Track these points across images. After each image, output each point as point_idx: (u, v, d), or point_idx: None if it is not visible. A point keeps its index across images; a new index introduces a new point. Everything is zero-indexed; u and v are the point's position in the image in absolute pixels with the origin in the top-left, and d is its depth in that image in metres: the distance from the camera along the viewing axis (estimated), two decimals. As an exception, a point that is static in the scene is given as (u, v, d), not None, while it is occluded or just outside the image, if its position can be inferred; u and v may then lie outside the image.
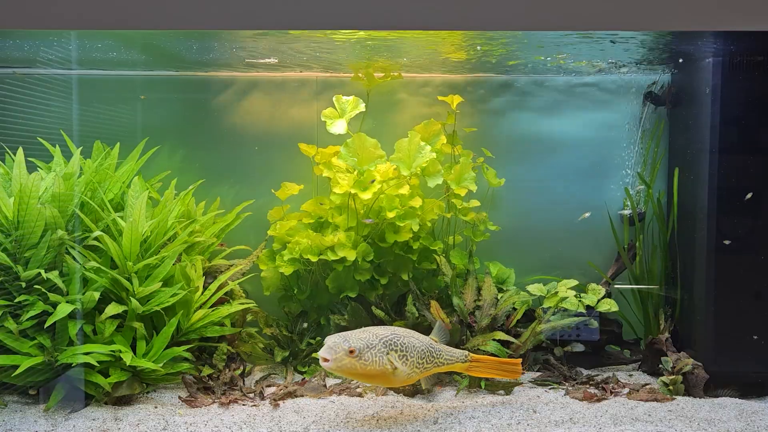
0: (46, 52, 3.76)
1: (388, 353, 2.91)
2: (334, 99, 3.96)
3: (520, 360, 3.36)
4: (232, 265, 4.02)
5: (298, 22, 2.61)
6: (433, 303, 3.64)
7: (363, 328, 3.02)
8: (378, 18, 2.59)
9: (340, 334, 2.91)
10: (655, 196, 4.23)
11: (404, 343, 2.99)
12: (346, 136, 3.90)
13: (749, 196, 3.51)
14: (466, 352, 3.26)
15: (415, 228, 3.88)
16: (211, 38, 3.49)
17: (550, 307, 3.91)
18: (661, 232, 4.11)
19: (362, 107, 3.93)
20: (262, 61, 3.97)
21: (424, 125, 4.04)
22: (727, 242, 3.53)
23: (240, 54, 3.81)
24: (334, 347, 2.82)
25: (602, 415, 3.27)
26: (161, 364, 3.34)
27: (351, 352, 2.81)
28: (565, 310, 3.93)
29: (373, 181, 3.84)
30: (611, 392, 3.59)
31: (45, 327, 3.13)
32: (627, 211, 4.26)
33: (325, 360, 2.80)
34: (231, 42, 3.55)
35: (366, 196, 3.79)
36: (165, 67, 4.27)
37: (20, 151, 3.31)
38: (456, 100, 4.12)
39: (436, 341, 3.19)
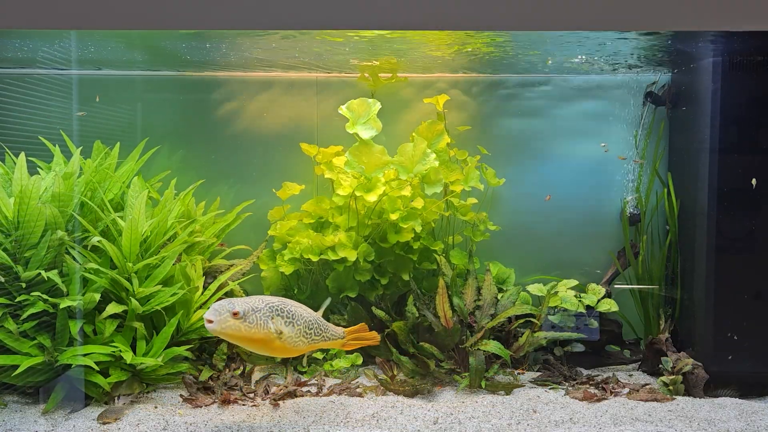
0: (47, 52, 3.76)
1: (273, 318, 2.92)
2: (340, 111, 3.92)
3: (361, 326, 3.37)
4: (232, 265, 4.02)
5: (313, 21, 2.61)
6: (441, 283, 3.64)
7: (252, 296, 3.04)
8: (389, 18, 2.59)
9: (227, 299, 2.92)
10: (654, 196, 4.23)
11: (291, 311, 3.01)
12: (349, 138, 3.90)
13: (754, 181, 3.52)
14: (342, 330, 3.29)
15: (418, 229, 3.88)
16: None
17: (549, 311, 3.91)
18: (671, 231, 4.10)
19: (374, 103, 3.89)
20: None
21: (427, 126, 4.03)
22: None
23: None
24: (219, 309, 2.82)
25: (602, 415, 3.27)
26: (161, 364, 3.34)
27: (235, 314, 2.81)
28: (565, 310, 3.93)
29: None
30: (611, 392, 3.60)
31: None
32: (633, 208, 4.25)
33: (210, 321, 2.80)
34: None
35: (371, 198, 3.79)
36: (166, 68, 4.28)
37: (22, 155, 3.33)
38: (442, 99, 4.12)
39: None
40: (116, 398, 3.30)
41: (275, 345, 2.93)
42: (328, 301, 3.33)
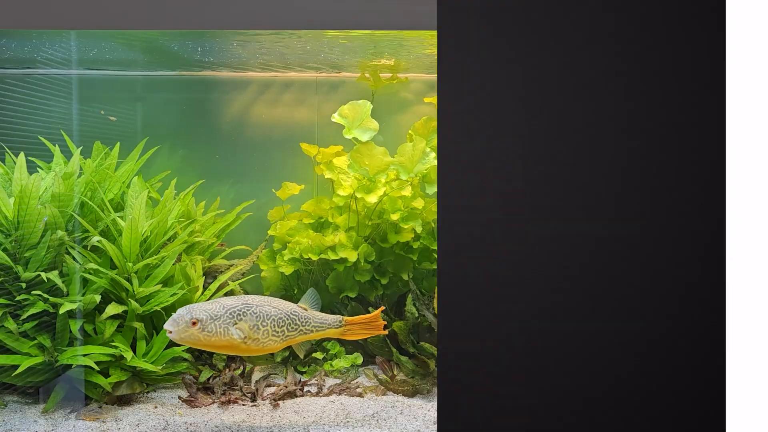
0: (47, 52, 3.76)
1: (235, 323, 2.87)
2: (333, 119, 3.91)
3: (379, 312, 3.22)
4: (232, 265, 4.02)
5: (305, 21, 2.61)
6: (437, 289, 3.63)
7: (214, 299, 2.98)
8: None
9: (187, 306, 2.88)
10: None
11: (255, 312, 2.93)
12: (350, 139, 3.91)
13: None
14: (340, 317, 3.15)
15: (419, 229, 3.88)
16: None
17: None
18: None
19: (364, 103, 3.88)
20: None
21: (423, 122, 4.03)
22: None
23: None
24: (177, 319, 2.80)
25: (602, 415, 3.26)
26: (161, 365, 3.34)
27: (194, 323, 2.79)
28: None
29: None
30: (611, 392, 3.59)
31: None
32: None
33: (170, 332, 2.79)
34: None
35: (372, 199, 3.79)
36: (167, 68, 4.28)
37: (22, 155, 3.33)
38: None
39: (304, 308, 3.10)
40: (101, 404, 3.28)
41: (242, 348, 2.91)
42: (309, 291, 3.17)
